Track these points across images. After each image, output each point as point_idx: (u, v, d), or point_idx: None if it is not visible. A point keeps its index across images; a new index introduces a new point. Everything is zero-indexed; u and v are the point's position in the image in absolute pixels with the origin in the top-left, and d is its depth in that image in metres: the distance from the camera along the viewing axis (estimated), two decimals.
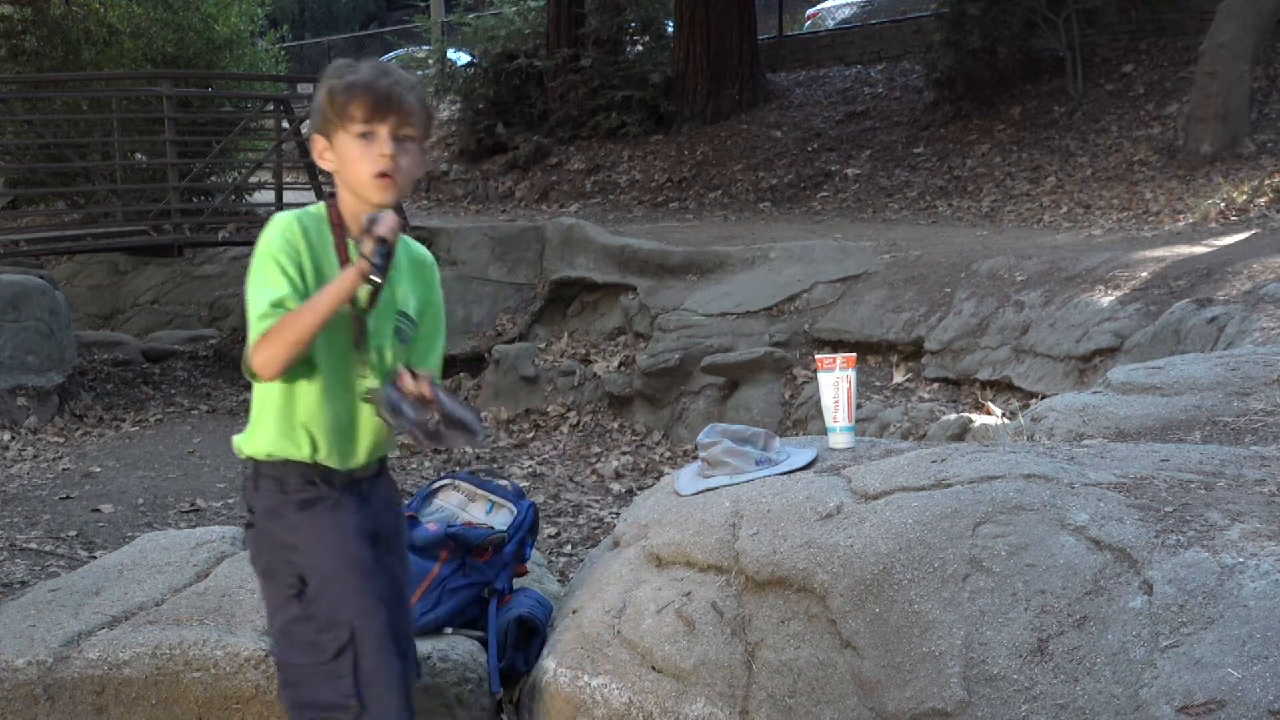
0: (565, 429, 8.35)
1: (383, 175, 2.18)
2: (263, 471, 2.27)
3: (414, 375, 2.16)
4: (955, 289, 7.15)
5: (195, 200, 11.11)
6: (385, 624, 2.22)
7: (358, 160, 2.18)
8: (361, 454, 2.30)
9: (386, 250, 2.09)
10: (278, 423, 2.24)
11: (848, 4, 17.84)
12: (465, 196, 14.49)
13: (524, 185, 14.05)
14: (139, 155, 11.25)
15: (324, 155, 2.23)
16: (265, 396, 2.25)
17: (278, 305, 2.12)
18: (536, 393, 8.79)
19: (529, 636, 2.85)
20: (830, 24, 17.47)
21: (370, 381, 2.25)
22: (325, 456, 2.25)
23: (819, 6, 18.39)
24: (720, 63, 13.93)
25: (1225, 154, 9.10)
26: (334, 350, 2.23)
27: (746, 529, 2.49)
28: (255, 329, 2.13)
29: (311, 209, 2.28)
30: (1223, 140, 9.15)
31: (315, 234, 2.23)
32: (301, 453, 2.24)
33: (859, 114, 13.26)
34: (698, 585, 2.51)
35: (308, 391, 2.23)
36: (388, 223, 2.12)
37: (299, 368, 2.19)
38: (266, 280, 2.16)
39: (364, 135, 2.17)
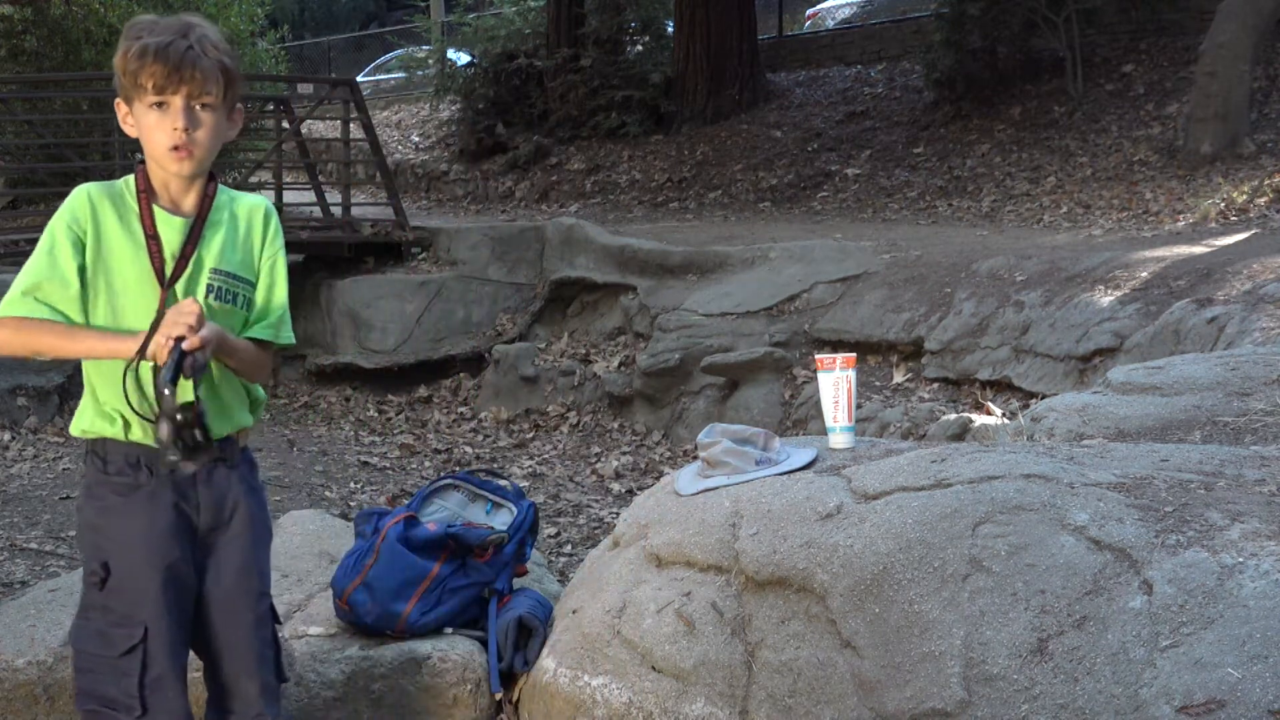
0: (565, 429, 8.35)
1: (178, 148, 2.11)
2: (89, 448, 2.21)
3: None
4: (955, 289, 7.15)
5: None
6: (177, 631, 2.17)
7: (152, 130, 2.12)
8: None
9: (179, 360, 1.99)
10: (93, 402, 2.19)
11: (847, 4, 17.85)
12: (465, 196, 14.50)
13: (524, 185, 14.06)
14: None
15: (126, 121, 2.18)
16: (85, 375, 2.20)
17: (28, 292, 2.08)
18: (536, 393, 8.79)
19: (529, 636, 2.85)
20: (830, 24, 17.47)
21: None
22: (141, 436, 2.15)
23: (819, 6, 18.40)
24: (720, 63, 13.93)
25: (1225, 154, 9.10)
26: (135, 320, 2.13)
27: (746, 529, 2.48)
28: (4, 306, 2.10)
29: (122, 179, 2.22)
30: (1223, 140, 9.15)
31: (114, 203, 2.17)
32: (115, 429, 2.16)
33: (859, 114, 13.26)
34: (698, 585, 2.51)
35: (109, 371, 2.14)
36: (180, 320, 2.01)
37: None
38: (36, 254, 2.12)
39: (158, 105, 2.10)
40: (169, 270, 2.16)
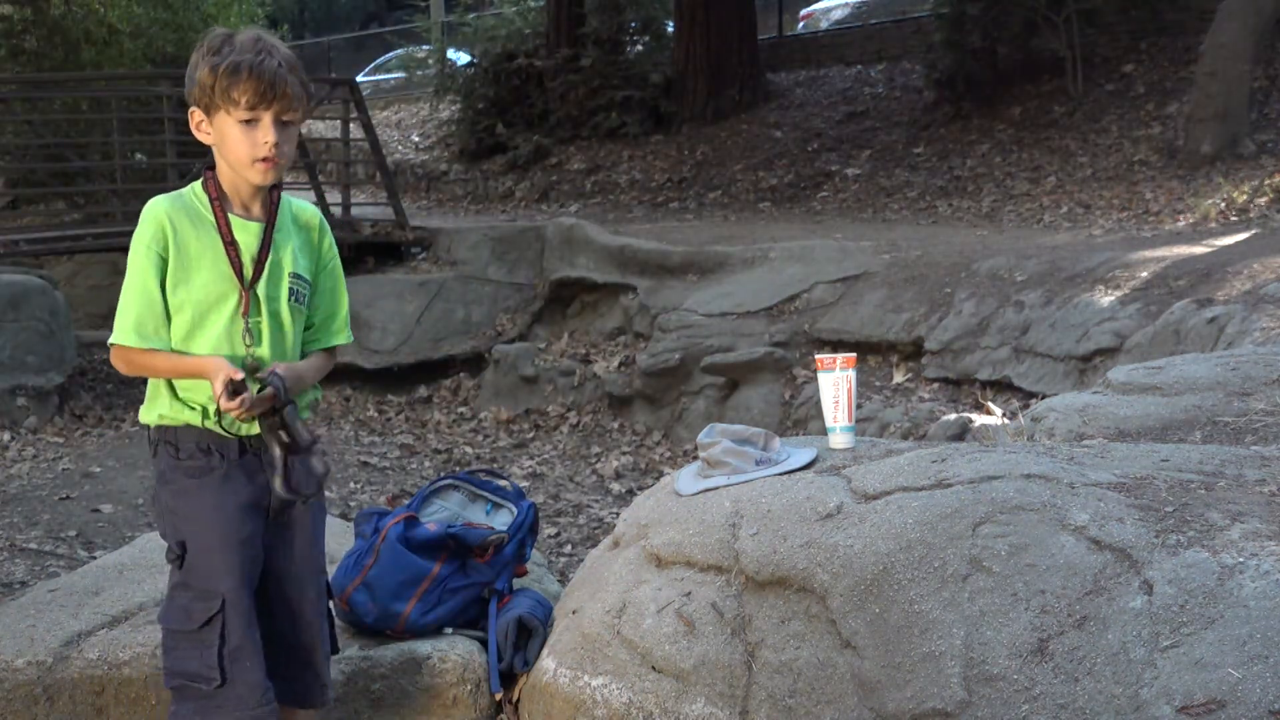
0: (565, 429, 8.35)
1: (265, 160, 2.23)
2: (160, 437, 2.31)
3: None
4: (955, 289, 7.15)
5: None
6: (252, 604, 2.27)
7: (239, 142, 2.23)
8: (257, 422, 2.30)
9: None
10: (169, 391, 2.29)
11: (841, 5, 17.84)
12: (465, 196, 14.50)
13: (524, 185, 14.06)
14: (139, 155, 11.25)
15: (201, 128, 2.27)
16: None
17: (136, 328, 2.22)
18: (536, 393, 8.79)
19: (529, 636, 2.85)
20: (824, 25, 17.46)
21: (261, 350, 2.28)
22: (215, 423, 2.27)
23: (812, 7, 18.38)
24: (720, 63, 13.93)
25: (1225, 154, 9.10)
26: (218, 320, 2.27)
27: (746, 529, 2.48)
28: (115, 335, 2.24)
29: (188, 188, 2.32)
30: (1223, 140, 9.15)
31: (188, 214, 2.27)
32: (193, 416, 2.27)
33: (859, 114, 13.26)
34: (698, 585, 2.51)
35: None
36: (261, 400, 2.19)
37: (182, 340, 2.26)
38: (129, 284, 2.24)
39: (248, 121, 2.21)
40: (249, 273, 2.28)
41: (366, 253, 10.32)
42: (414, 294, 9.73)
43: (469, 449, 7.97)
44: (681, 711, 2.39)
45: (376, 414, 8.93)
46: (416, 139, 17.03)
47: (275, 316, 2.31)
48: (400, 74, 19.89)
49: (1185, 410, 3.22)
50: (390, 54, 21.88)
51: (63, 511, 5.76)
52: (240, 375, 2.18)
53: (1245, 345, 4.58)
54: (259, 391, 2.20)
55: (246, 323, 2.27)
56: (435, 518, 3.11)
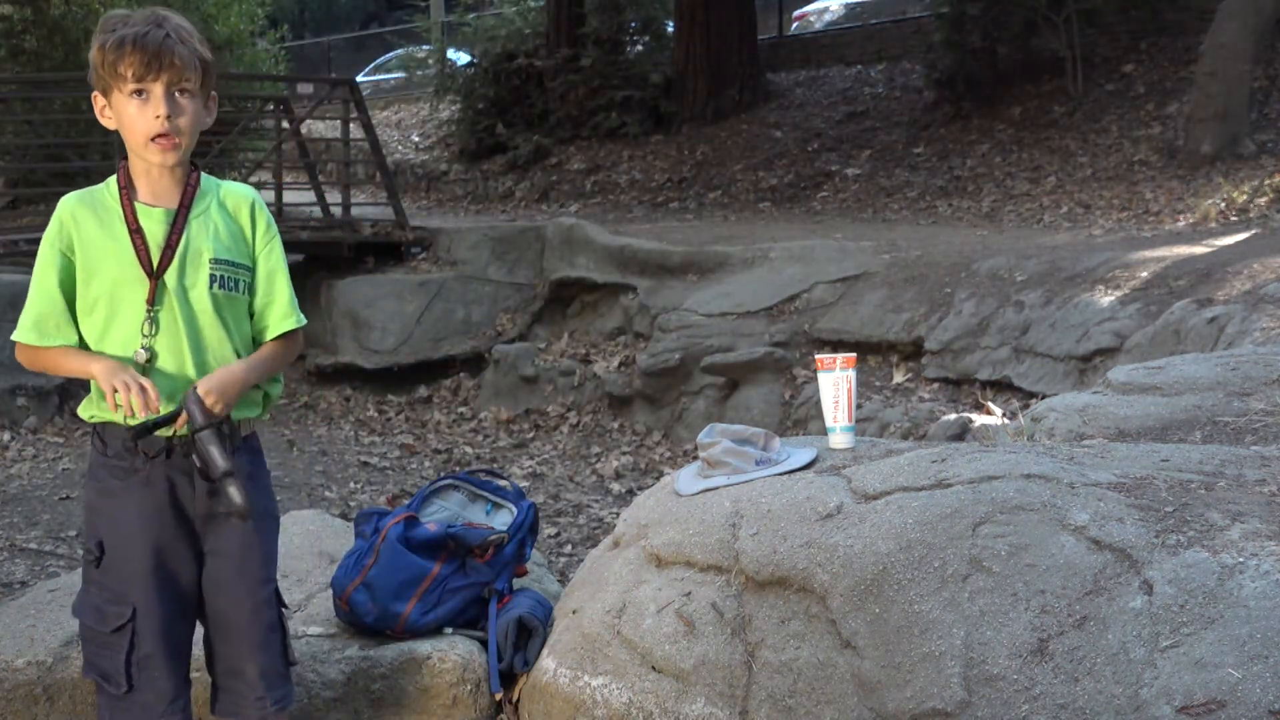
0: (565, 429, 8.35)
1: (161, 137, 2.15)
2: (92, 431, 2.27)
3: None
4: (955, 289, 7.16)
5: None
6: (169, 612, 2.22)
7: (134, 120, 2.15)
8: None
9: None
10: (98, 389, 2.23)
11: (825, 8, 17.84)
12: (465, 196, 14.50)
13: (524, 185, 14.06)
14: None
15: (104, 113, 2.21)
16: None
17: (36, 325, 2.19)
18: (536, 393, 8.79)
19: (529, 636, 2.85)
20: (818, 26, 17.46)
21: (158, 341, 2.19)
22: (138, 420, 2.18)
23: (807, 8, 18.38)
24: (720, 63, 13.93)
25: (1225, 154, 9.10)
26: (129, 312, 2.20)
27: (746, 529, 2.48)
28: (16, 332, 2.22)
29: (104, 182, 2.25)
30: (1223, 140, 9.15)
31: (93, 208, 2.21)
32: (119, 414, 2.19)
33: (859, 114, 13.26)
34: (698, 585, 2.51)
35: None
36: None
37: (98, 336, 2.21)
38: (34, 281, 2.21)
39: (138, 93, 2.13)
40: (156, 260, 2.20)
41: (366, 253, 10.32)
42: (414, 294, 9.73)
43: (469, 449, 7.98)
44: (681, 711, 2.39)
45: (376, 414, 8.93)
46: (416, 139, 17.04)
47: (189, 306, 2.21)
48: (400, 74, 19.90)
49: (1185, 410, 3.22)
50: (390, 54, 21.89)
51: (63, 511, 5.76)
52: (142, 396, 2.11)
53: (1245, 345, 4.58)
54: (172, 412, 2.13)
55: (149, 312, 2.18)
56: (435, 518, 3.11)
